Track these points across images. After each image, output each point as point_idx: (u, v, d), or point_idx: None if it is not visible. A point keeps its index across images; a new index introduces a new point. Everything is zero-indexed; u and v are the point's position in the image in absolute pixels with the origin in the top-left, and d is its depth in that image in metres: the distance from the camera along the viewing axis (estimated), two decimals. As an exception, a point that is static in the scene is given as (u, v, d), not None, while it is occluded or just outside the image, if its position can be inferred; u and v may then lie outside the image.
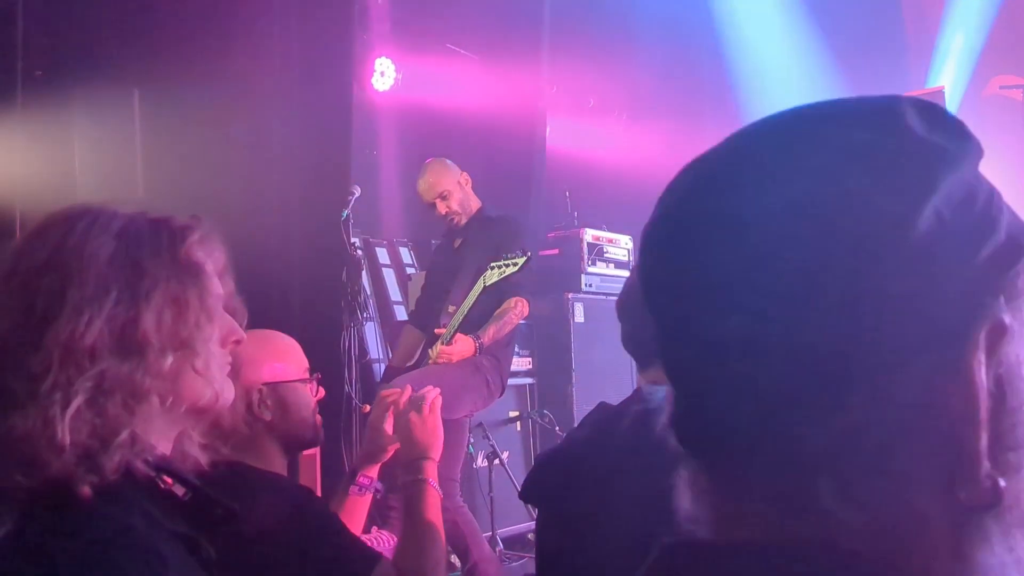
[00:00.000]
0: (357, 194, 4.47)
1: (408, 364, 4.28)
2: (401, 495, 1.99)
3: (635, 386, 1.84)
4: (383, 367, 5.24)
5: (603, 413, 1.83)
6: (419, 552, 1.81)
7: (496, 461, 4.64)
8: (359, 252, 4.58)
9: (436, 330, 4.05)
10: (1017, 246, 0.55)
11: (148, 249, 1.13)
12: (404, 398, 1.87)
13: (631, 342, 1.78)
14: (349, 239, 4.34)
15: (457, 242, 4.38)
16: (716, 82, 6.82)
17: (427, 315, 4.35)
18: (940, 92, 5.04)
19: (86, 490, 1.00)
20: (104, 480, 1.01)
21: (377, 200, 6.18)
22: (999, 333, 0.54)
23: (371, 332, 5.17)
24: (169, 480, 1.09)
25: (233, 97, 4.17)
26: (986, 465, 0.52)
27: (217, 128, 4.11)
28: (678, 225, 0.60)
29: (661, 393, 1.70)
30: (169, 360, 1.09)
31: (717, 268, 0.56)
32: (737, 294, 0.55)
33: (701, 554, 0.59)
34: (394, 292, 5.84)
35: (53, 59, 3.91)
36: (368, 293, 5.34)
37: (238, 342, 1.24)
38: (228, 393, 1.20)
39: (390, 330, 5.56)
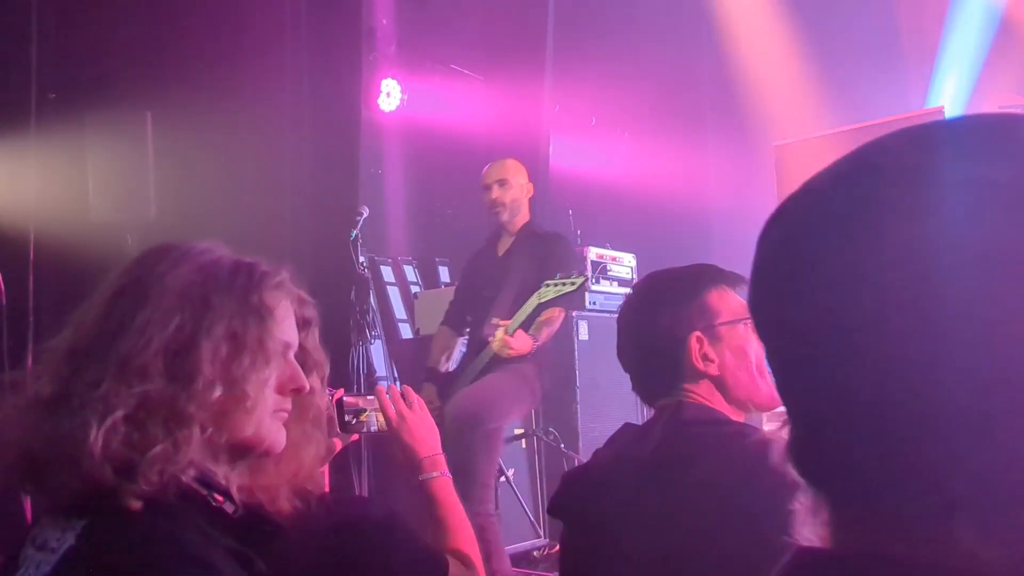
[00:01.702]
0: (365, 214, 4.51)
1: (445, 365, 4.36)
2: (422, 494, 1.96)
3: (638, 403, 1.87)
4: (391, 383, 5.27)
5: (628, 432, 1.86)
6: (470, 541, 1.81)
7: (502, 478, 4.66)
8: (366, 271, 4.62)
9: (496, 320, 4.05)
10: None
11: (222, 285, 1.19)
12: (388, 401, 1.84)
13: (638, 386, 1.82)
14: (357, 259, 4.38)
15: (502, 250, 4.39)
16: (717, 100, 6.88)
17: (463, 317, 4.40)
18: (940, 112, 5.09)
19: (136, 504, 1.05)
20: (153, 494, 1.06)
21: (382, 219, 6.22)
22: None
23: (378, 350, 5.20)
24: (220, 497, 1.13)
25: (243, 119, 4.22)
26: None
27: (228, 150, 4.15)
28: (778, 268, 0.59)
29: (690, 412, 1.72)
30: (217, 393, 1.14)
31: (819, 312, 0.55)
32: (869, 336, 0.54)
33: (833, 564, 0.58)
34: (399, 310, 5.87)
35: (67, 82, 3.96)
36: (374, 311, 5.37)
37: (298, 390, 1.27)
38: (277, 438, 1.23)
39: (395, 347, 5.58)
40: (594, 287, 5.66)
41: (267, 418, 1.21)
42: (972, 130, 0.58)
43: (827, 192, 0.59)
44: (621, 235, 6.11)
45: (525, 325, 4.05)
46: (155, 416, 1.09)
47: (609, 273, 5.76)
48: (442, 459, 1.82)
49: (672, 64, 6.84)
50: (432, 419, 1.86)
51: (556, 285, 3.98)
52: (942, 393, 0.52)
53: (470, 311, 4.33)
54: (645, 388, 1.81)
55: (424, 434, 1.80)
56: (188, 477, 1.10)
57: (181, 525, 1.06)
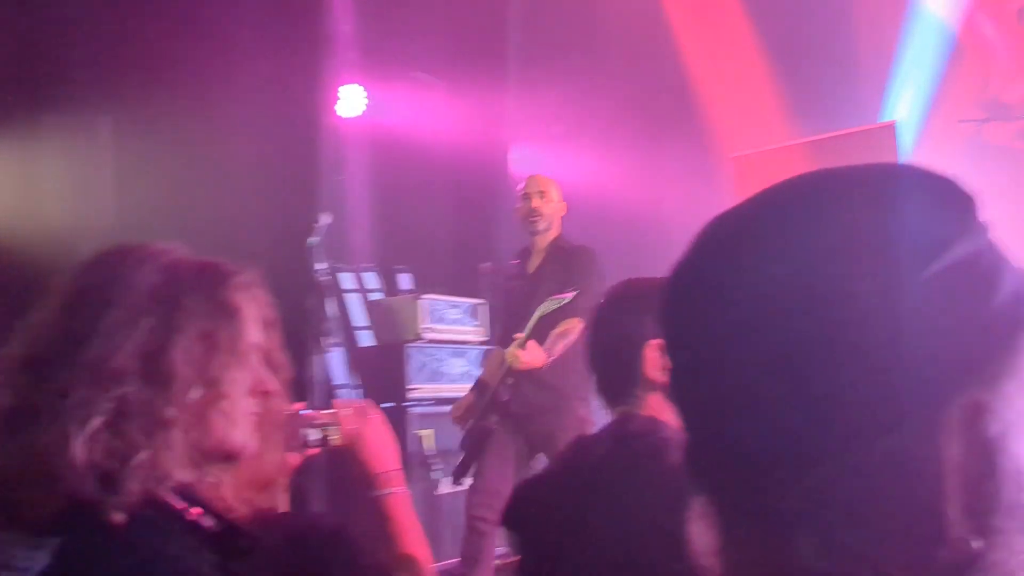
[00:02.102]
0: (325, 221, 4.48)
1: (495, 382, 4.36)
2: (377, 510, 1.94)
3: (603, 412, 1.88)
4: (348, 393, 5.23)
5: (581, 443, 1.87)
6: (424, 559, 1.79)
7: (460, 488, 4.64)
8: (325, 278, 4.60)
9: (516, 335, 4.10)
10: (1013, 323, 0.57)
11: (190, 284, 1.15)
12: (345, 415, 1.82)
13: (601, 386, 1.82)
14: (316, 266, 4.35)
15: (532, 267, 4.44)
16: (678, 110, 6.93)
17: (509, 335, 4.41)
18: (893, 126, 5.19)
19: (119, 517, 1.00)
20: (132, 508, 1.02)
21: (343, 226, 6.18)
22: (980, 411, 0.55)
23: (336, 359, 5.17)
24: (198, 511, 1.09)
25: (202, 123, 4.18)
26: (961, 527, 0.54)
27: (186, 155, 4.11)
28: (708, 275, 0.61)
29: (635, 425, 1.74)
30: (195, 394, 1.11)
31: (734, 323, 0.58)
32: (744, 351, 0.57)
33: None
34: (359, 318, 5.84)
35: (22, 84, 3.89)
36: (333, 319, 5.34)
37: (267, 393, 1.25)
38: (249, 443, 1.20)
39: (355, 356, 5.55)
40: (556, 295, 5.66)
41: (242, 421, 1.18)
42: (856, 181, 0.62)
43: (755, 213, 0.63)
44: (583, 244, 6.11)
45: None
46: (134, 421, 1.05)
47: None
48: (399, 475, 1.78)
49: (633, 74, 6.88)
50: (391, 434, 1.85)
51: (556, 301, 3.99)
52: (783, 412, 0.55)
53: (513, 330, 4.32)
54: (605, 392, 1.83)
55: (381, 449, 1.76)
56: (164, 488, 1.06)
57: (166, 540, 1.02)
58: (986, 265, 0.57)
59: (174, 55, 4.24)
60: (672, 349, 0.63)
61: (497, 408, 4.15)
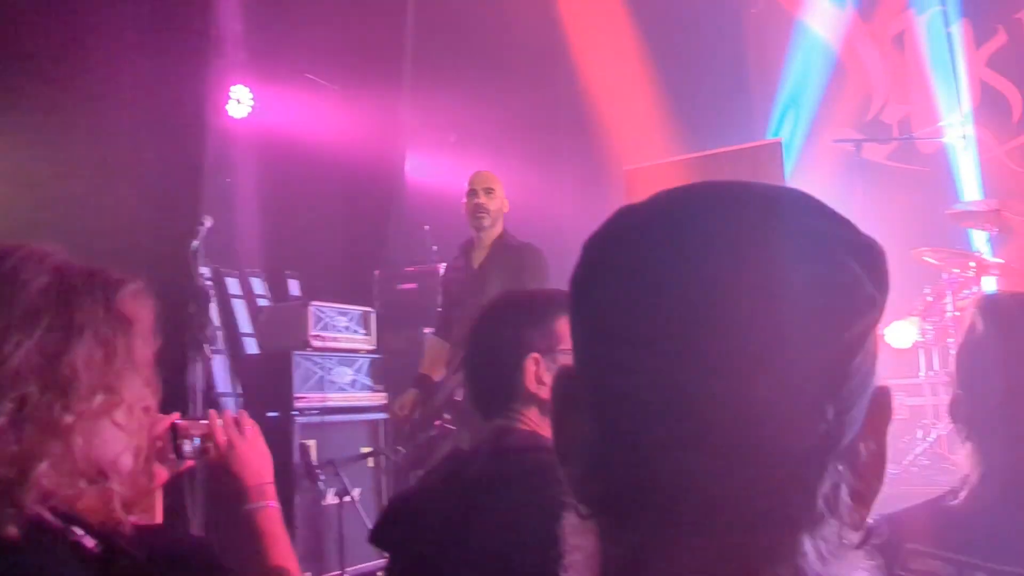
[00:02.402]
0: (208, 224, 4.34)
1: (440, 375, 4.36)
2: (247, 525, 1.87)
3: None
4: (231, 402, 5.09)
5: (455, 457, 1.84)
6: (293, 573, 1.73)
7: (347, 498, 4.56)
8: (208, 283, 4.46)
9: None
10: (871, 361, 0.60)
11: (82, 289, 1.11)
12: (219, 426, 1.75)
13: (479, 398, 1.80)
14: (198, 270, 4.21)
15: (477, 261, 4.46)
16: (574, 122, 7.00)
17: (449, 326, 4.45)
18: (778, 144, 5.35)
19: (14, 531, 0.96)
20: (24, 522, 0.97)
21: (231, 229, 6.02)
22: (879, 401, 0.60)
23: (219, 366, 5.02)
24: (79, 531, 1.05)
25: (80, 121, 4.00)
26: (841, 522, 0.58)
27: (61, 151, 3.92)
28: (614, 281, 0.60)
29: (513, 439, 1.72)
30: (95, 402, 1.07)
31: (648, 326, 0.57)
32: (652, 352, 0.56)
33: None
34: (244, 324, 5.68)
35: None
36: (217, 325, 5.18)
37: (147, 409, 1.21)
38: (130, 457, 1.16)
39: (239, 364, 5.40)
40: (446, 304, 5.64)
41: (129, 434, 1.14)
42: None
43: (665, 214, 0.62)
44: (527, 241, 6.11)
45: None
46: (31, 425, 1.01)
47: (462, 291, 5.75)
48: (271, 489, 1.73)
49: (529, 86, 6.92)
50: (265, 446, 1.79)
51: None
52: (696, 417, 0.55)
53: (455, 322, 4.30)
54: (481, 404, 1.80)
55: (255, 461, 1.72)
56: (50, 503, 1.02)
57: (50, 561, 0.98)
58: (849, 282, 0.59)
59: (51, 51, 4.04)
60: (583, 354, 0.61)
61: (451, 406, 4.12)
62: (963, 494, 1.44)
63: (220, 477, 1.88)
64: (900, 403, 5.50)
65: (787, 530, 0.57)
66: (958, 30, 6.77)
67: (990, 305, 1.49)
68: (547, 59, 6.95)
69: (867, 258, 0.61)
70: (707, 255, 0.57)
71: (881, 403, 0.61)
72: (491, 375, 1.75)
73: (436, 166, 7.09)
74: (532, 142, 6.82)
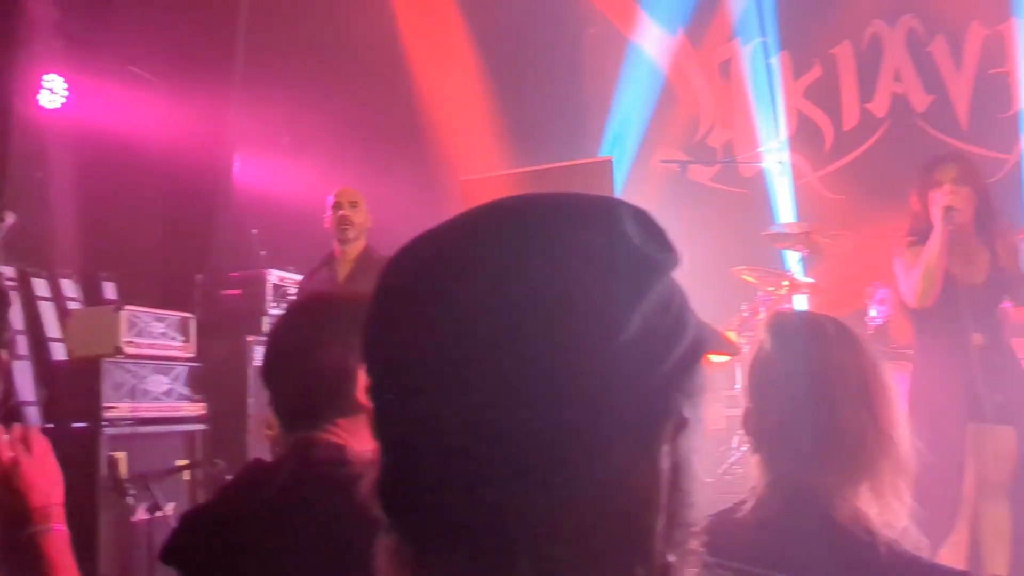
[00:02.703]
0: (10, 221, 4.06)
1: None
2: (28, 550, 1.74)
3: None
4: (34, 411, 4.77)
5: (255, 470, 1.76)
6: None
7: (159, 514, 4.34)
8: (9, 283, 4.16)
9: None
10: (699, 346, 0.61)
11: None
12: (3, 442, 1.63)
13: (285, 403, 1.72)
14: (-3, 270, 3.91)
15: (343, 274, 4.44)
16: (410, 131, 6.96)
17: None
18: (609, 162, 5.50)
19: None
20: None
21: (41, 227, 5.63)
22: (681, 426, 0.59)
23: (22, 373, 4.68)
24: None
25: None
26: (661, 544, 0.57)
27: None
28: (404, 302, 0.60)
29: (321, 452, 1.66)
30: None
31: (438, 349, 0.56)
32: (455, 376, 0.55)
33: None
34: (52, 328, 5.32)
35: None
36: (19, 329, 4.84)
37: None
38: None
39: (45, 370, 5.06)
40: (274, 312, 5.48)
41: None
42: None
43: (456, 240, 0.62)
44: (308, 260, 5.98)
45: None
46: None
47: (290, 297, 5.60)
48: (59, 511, 1.63)
49: (367, 92, 6.84)
50: (55, 464, 1.67)
51: None
52: (514, 435, 0.54)
53: None
54: (292, 412, 1.72)
55: (41, 480, 1.62)
56: None
57: None
58: (678, 300, 0.61)
59: None
60: (379, 374, 0.60)
61: None
62: (750, 505, 1.50)
63: (2, 497, 1.74)
64: (718, 414, 5.74)
65: (609, 560, 0.57)
66: (778, 62, 7.17)
67: (777, 323, 1.55)
68: (385, 67, 6.89)
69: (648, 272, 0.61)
70: (459, 289, 0.57)
71: (682, 427, 0.61)
72: (314, 387, 1.67)
73: (267, 168, 6.89)
74: (368, 149, 6.74)
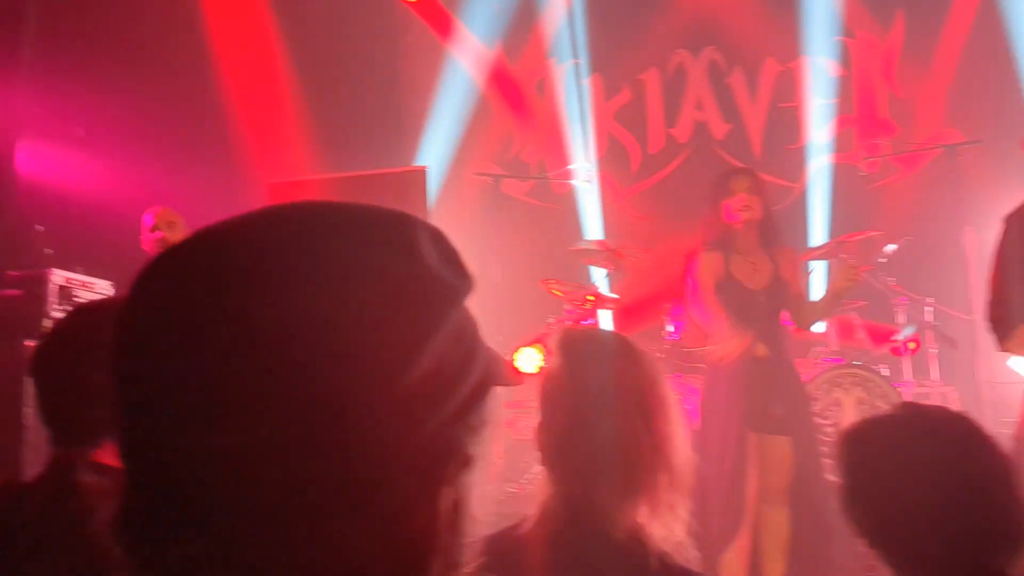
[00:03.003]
0: None
1: None
2: None
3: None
4: None
5: (8, 490, 1.61)
6: None
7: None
8: None
9: None
10: (488, 380, 0.57)
11: None
12: None
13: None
14: None
15: None
16: (219, 131, 6.69)
17: None
18: (423, 172, 5.47)
19: None
20: None
21: None
22: (464, 464, 0.55)
23: None
24: None
25: None
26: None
27: None
28: (157, 317, 0.53)
29: (85, 474, 1.53)
30: None
31: (190, 375, 0.50)
32: (209, 408, 0.50)
33: None
34: None
35: None
36: None
37: None
38: None
39: None
40: (56, 315, 5.10)
41: None
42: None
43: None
44: (99, 260, 5.61)
45: None
46: None
47: (76, 299, 5.23)
48: None
49: (169, 87, 6.50)
50: None
51: None
52: (264, 479, 0.49)
53: None
54: (60, 427, 1.58)
55: None
56: None
57: None
58: (470, 331, 0.57)
59: None
60: (126, 398, 0.53)
61: None
62: (534, 519, 1.50)
63: None
64: (526, 424, 5.82)
65: None
66: (590, 84, 7.40)
67: (563, 339, 1.57)
68: (189, 61, 6.58)
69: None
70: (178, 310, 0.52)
71: (465, 466, 0.57)
72: (84, 394, 1.54)
73: (57, 161, 6.42)
74: (169, 145, 6.41)
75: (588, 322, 5.60)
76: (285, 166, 6.25)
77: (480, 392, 0.57)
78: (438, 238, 0.58)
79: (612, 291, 6.09)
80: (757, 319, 3.92)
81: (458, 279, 0.57)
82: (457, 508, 0.56)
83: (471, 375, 0.56)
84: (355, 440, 0.50)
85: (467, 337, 0.57)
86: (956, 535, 1.24)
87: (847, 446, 1.41)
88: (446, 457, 0.54)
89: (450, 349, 0.54)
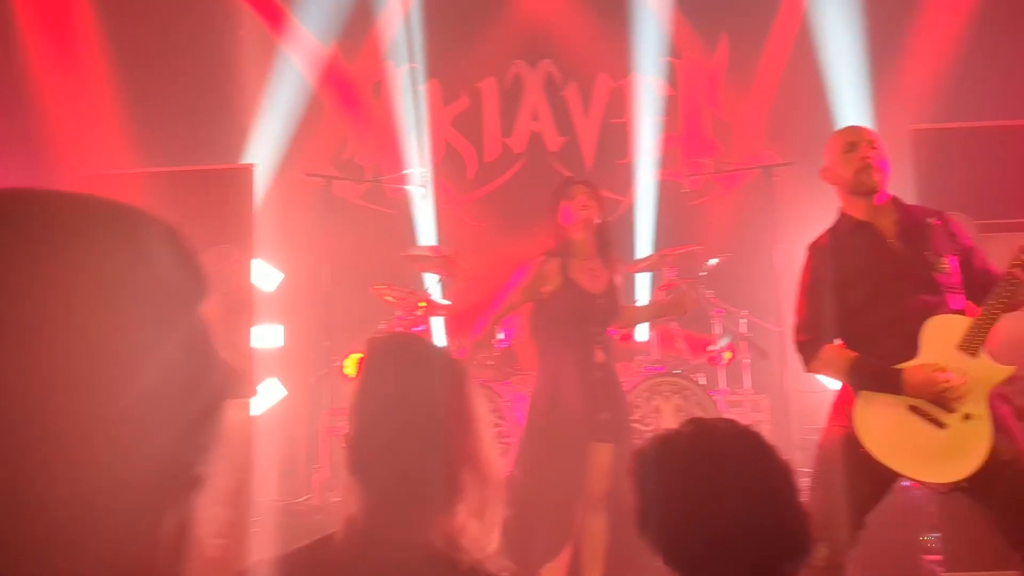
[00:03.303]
0: None
1: None
2: None
3: None
4: None
5: None
6: None
7: None
8: None
9: None
10: (220, 394, 0.52)
11: None
12: None
13: None
14: None
15: None
16: (22, 119, 6.23)
17: None
18: (250, 169, 5.27)
19: None
20: None
21: None
22: (192, 485, 0.50)
23: None
24: None
25: None
26: None
27: None
28: None
29: None
30: None
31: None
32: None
33: None
34: None
35: None
36: None
37: None
38: None
39: None
40: None
41: None
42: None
43: None
44: None
45: None
46: None
47: None
48: None
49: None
50: None
51: None
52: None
53: None
54: None
55: None
56: None
57: None
58: (202, 340, 0.51)
59: None
60: None
61: None
62: (345, 530, 1.45)
63: None
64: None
65: None
66: (427, 89, 7.37)
67: (371, 346, 1.53)
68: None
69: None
70: None
71: (193, 487, 0.53)
72: None
73: None
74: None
75: (419, 328, 5.55)
76: (102, 158, 5.89)
77: (212, 407, 0.52)
78: (173, 237, 0.53)
79: (445, 297, 6.07)
80: (595, 323, 3.99)
81: (192, 283, 0.52)
82: (182, 532, 0.51)
83: (202, 389, 0.51)
84: (56, 467, 0.44)
85: (199, 348, 0.52)
86: (744, 550, 1.29)
87: (638, 468, 1.44)
88: (170, 479, 0.49)
89: (179, 359, 0.49)
